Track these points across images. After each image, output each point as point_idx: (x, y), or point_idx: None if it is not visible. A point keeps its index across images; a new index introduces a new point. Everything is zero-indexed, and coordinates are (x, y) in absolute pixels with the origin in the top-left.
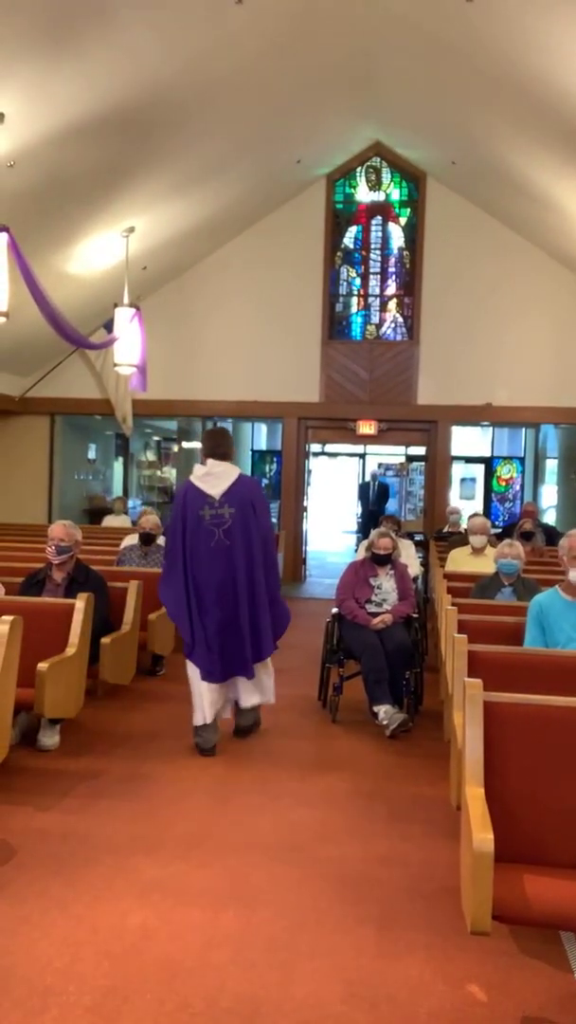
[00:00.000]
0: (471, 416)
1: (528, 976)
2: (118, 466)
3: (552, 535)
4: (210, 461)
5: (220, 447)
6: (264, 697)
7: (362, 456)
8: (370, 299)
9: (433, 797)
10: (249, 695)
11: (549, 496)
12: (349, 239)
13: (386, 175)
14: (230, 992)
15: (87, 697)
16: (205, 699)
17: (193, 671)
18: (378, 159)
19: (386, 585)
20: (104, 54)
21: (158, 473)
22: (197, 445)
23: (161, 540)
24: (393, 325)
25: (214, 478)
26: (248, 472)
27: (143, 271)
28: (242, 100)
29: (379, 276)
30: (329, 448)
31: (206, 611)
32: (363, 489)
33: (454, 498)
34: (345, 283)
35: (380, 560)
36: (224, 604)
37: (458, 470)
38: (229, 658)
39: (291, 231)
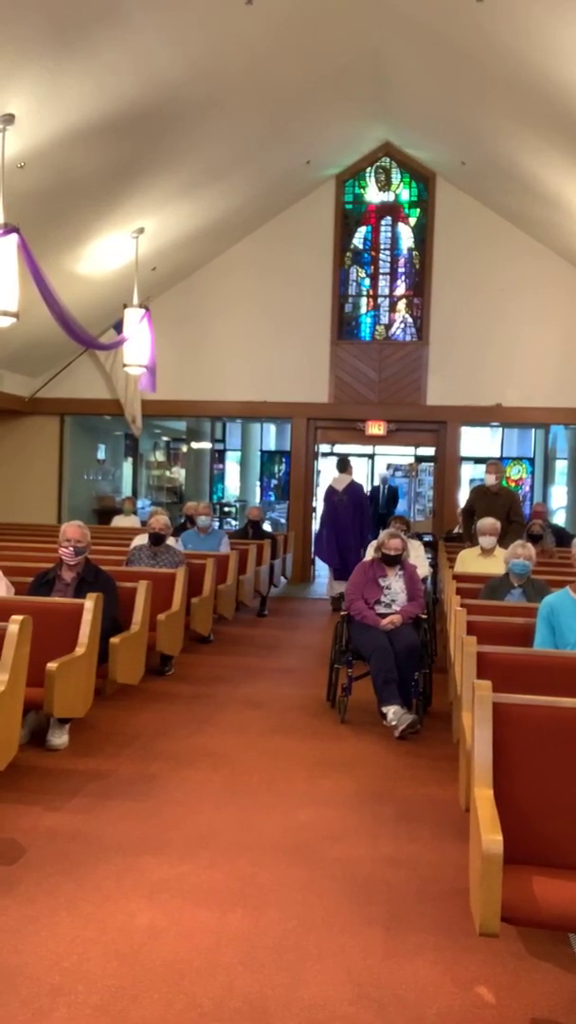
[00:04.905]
0: (481, 417)
1: (537, 978)
2: (127, 466)
3: (562, 536)
4: (339, 474)
5: (346, 468)
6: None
7: (371, 457)
8: (379, 299)
9: (442, 798)
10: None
11: (559, 497)
12: (358, 239)
13: (396, 175)
14: (238, 992)
15: (96, 697)
16: (331, 584)
17: (329, 573)
18: (387, 159)
19: (395, 586)
20: (114, 55)
21: (167, 473)
22: (206, 445)
23: (171, 540)
24: (402, 325)
25: (340, 482)
26: (257, 473)
27: (152, 272)
28: (252, 101)
29: (388, 276)
30: (338, 449)
31: (336, 542)
32: (373, 492)
33: (463, 499)
34: (354, 283)
35: (390, 561)
36: (342, 538)
37: (467, 471)
38: (342, 565)
39: (300, 232)
